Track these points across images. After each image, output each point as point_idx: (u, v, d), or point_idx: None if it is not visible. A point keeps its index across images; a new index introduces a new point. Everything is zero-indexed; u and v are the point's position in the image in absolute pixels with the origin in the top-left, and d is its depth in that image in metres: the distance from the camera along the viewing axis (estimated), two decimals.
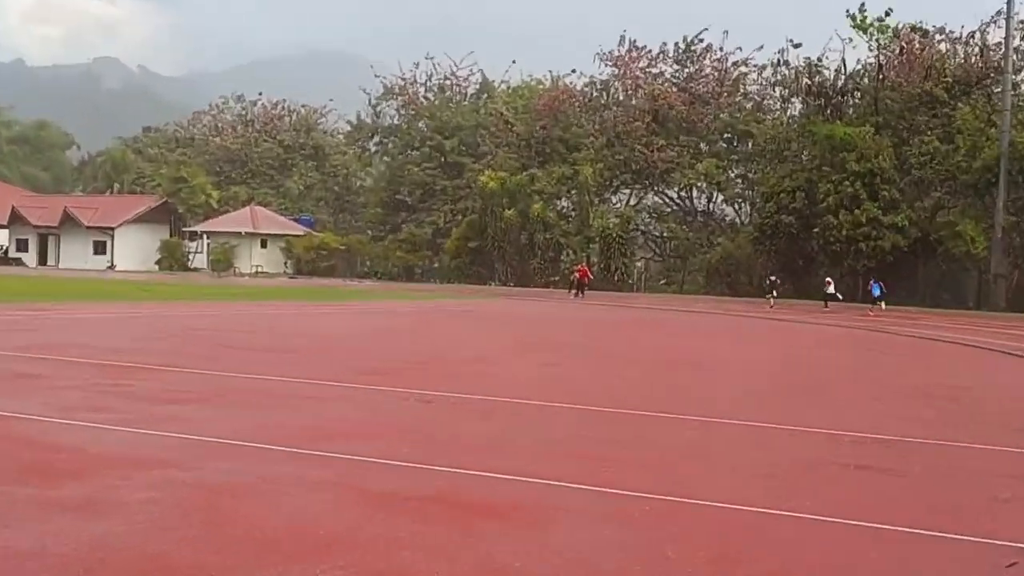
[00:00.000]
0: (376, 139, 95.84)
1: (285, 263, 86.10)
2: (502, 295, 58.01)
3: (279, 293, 48.88)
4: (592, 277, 61.96)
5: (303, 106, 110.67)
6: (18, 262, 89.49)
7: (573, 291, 58.84)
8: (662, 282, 78.61)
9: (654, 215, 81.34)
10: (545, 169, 78.44)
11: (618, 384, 17.12)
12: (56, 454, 9.38)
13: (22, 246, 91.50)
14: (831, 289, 53.98)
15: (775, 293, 54.01)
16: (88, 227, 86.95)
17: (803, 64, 69.92)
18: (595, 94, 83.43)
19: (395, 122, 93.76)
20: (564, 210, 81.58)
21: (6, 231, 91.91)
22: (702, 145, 78.68)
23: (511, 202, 74.11)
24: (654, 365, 20.85)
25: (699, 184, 75.60)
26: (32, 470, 8.67)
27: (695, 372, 19.75)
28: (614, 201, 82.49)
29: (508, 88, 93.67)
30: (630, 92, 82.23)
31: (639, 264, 77.29)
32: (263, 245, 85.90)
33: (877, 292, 49.38)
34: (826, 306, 51.70)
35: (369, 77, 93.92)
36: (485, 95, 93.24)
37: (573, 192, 78.46)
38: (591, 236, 73.23)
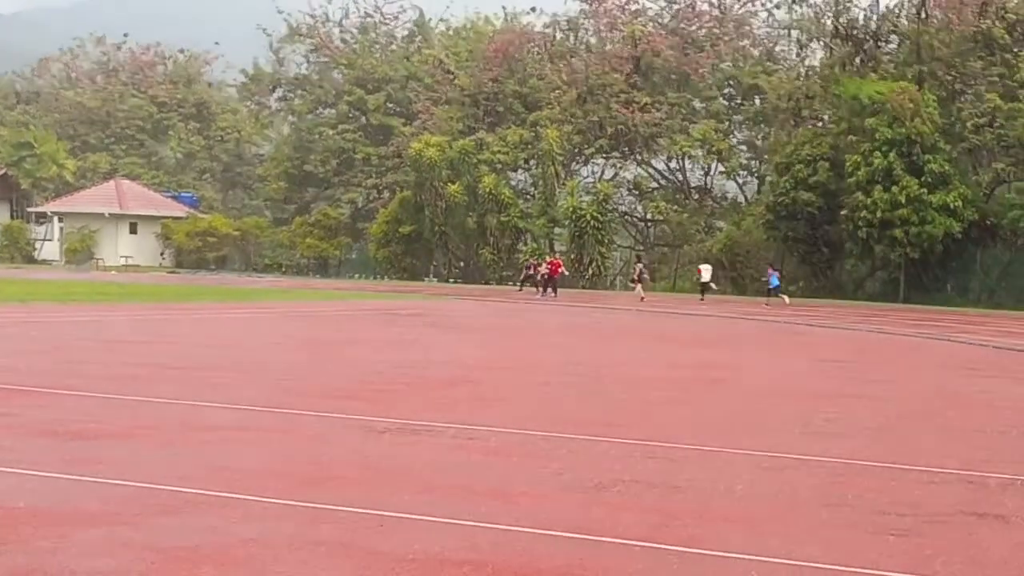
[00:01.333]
0: (278, 93, 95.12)
1: (162, 253, 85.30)
2: (450, 294, 57.82)
3: (162, 293, 48.38)
4: (566, 272, 61.74)
5: (181, 51, 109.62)
6: None
7: (533, 287, 59.03)
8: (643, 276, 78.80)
9: (635, 192, 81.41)
10: (497, 132, 78.34)
11: (645, 409, 17.02)
12: None
13: None
14: (707, 276, 58.69)
15: (641, 283, 57.96)
16: None
17: (826, 0, 70.36)
18: (560, 36, 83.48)
19: (303, 71, 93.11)
20: (521, 185, 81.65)
21: None
22: (696, 104, 78.96)
23: (454, 175, 73.87)
24: (685, 384, 20.78)
25: (694, 153, 75.76)
26: None
27: (737, 392, 19.69)
28: (584, 174, 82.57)
29: (449, 29, 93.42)
30: (604, 34, 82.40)
31: (618, 255, 77.28)
32: (132, 230, 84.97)
33: (776, 283, 55.31)
34: (702, 299, 56.60)
35: (267, 13, 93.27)
36: (419, 38, 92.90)
37: (533, 162, 78.48)
38: (557, 218, 73.20)
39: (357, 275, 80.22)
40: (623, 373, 22.34)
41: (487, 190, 72.56)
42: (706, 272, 59.10)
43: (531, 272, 61.70)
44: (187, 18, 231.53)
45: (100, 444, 12.24)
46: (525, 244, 74.98)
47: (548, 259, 61.49)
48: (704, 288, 58.37)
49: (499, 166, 76.76)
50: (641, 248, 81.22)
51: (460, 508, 9.62)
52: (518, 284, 63.25)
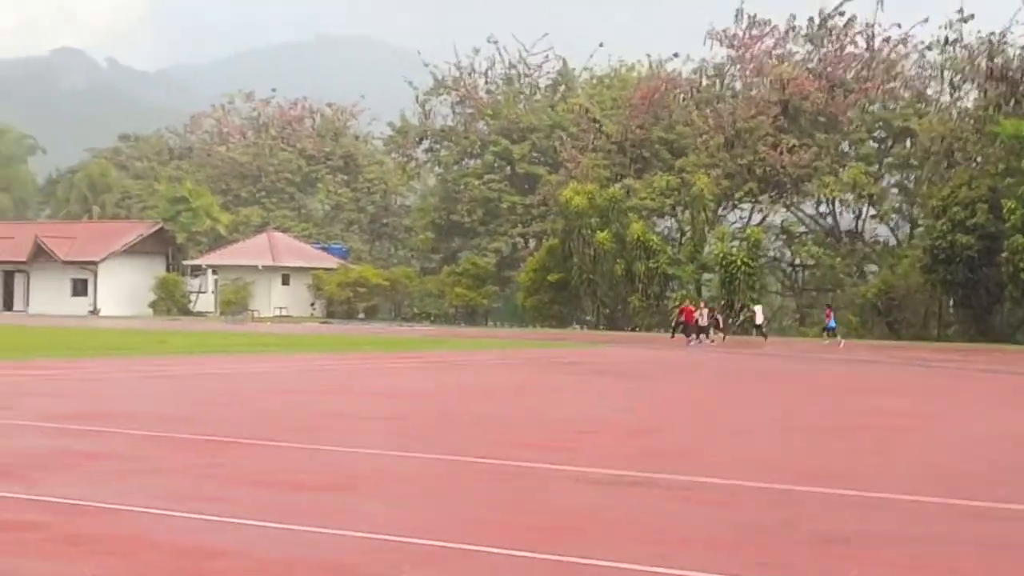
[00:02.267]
0: (425, 145, 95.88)
1: (312, 304, 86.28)
2: (602, 341, 57.44)
3: (324, 343, 48.84)
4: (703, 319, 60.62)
5: (329, 105, 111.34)
6: None
7: (685, 335, 58.53)
8: (784, 323, 77.71)
9: (782, 236, 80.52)
10: (644, 179, 78.07)
11: (856, 458, 16.51)
12: (216, 560, 8.98)
13: None
14: (760, 319, 62.29)
15: (715, 326, 59.33)
16: (65, 262, 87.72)
17: (980, 41, 69.08)
18: (706, 82, 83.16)
19: (449, 123, 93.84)
20: (668, 232, 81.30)
21: None
22: (845, 146, 78.01)
23: (602, 222, 73.67)
24: (882, 432, 20.21)
25: (844, 197, 74.67)
26: None
27: (938, 439, 19.07)
28: (732, 219, 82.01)
29: (592, 78, 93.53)
30: (750, 80, 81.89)
31: (776, 300, 76.30)
32: (285, 282, 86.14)
33: (833, 324, 59.02)
34: (765, 339, 60.47)
35: (400, 66, 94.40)
36: (563, 87, 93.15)
37: (679, 208, 78.13)
38: (707, 264, 72.58)
39: (505, 323, 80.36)
40: (810, 421, 21.82)
41: (635, 237, 72.26)
42: (759, 314, 62.66)
43: (683, 319, 61.09)
44: (328, 71, 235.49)
45: (317, 495, 12.12)
46: (673, 291, 74.40)
47: (704, 305, 60.82)
48: (759, 329, 62.20)
49: (646, 213, 76.50)
50: (789, 292, 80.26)
51: (709, 562, 9.32)
52: (671, 332, 62.58)
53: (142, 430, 17.22)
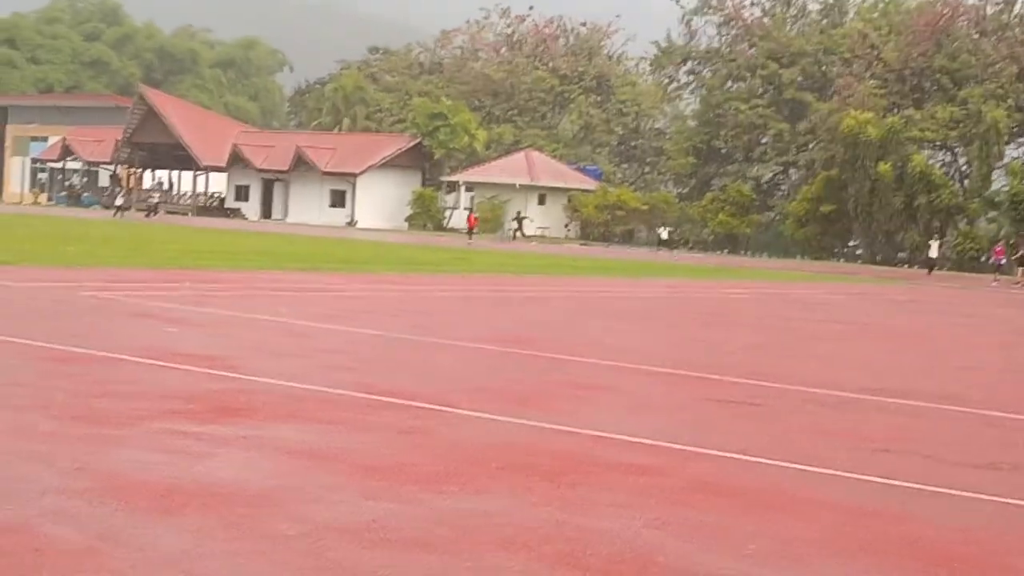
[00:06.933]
0: (688, 66, 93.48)
1: (567, 225, 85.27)
2: (898, 277, 55.07)
3: (621, 268, 47.78)
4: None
5: (583, 24, 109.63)
6: (236, 213, 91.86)
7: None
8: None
9: None
10: (924, 110, 74.83)
11: None
12: (903, 525, 7.67)
13: (242, 194, 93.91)
14: (934, 252, 61.93)
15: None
16: (324, 173, 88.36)
17: None
18: (992, 10, 79.20)
19: (714, 44, 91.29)
20: (942, 165, 78.08)
21: (223, 175, 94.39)
22: None
23: (881, 153, 70.76)
24: None
25: None
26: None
27: None
28: (1013, 155, 78.29)
29: (866, 2, 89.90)
30: None
31: None
32: (541, 201, 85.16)
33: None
34: (929, 273, 59.12)
35: None
36: (835, 10, 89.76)
37: (957, 142, 74.77)
38: (996, 201, 69.20)
39: (764, 254, 78.21)
40: None
41: (918, 170, 69.28)
42: (934, 248, 62.18)
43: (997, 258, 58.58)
44: None
45: (904, 452, 10.80)
46: (955, 228, 71.39)
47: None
48: (931, 264, 60.98)
49: (926, 145, 73.44)
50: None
51: None
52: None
53: (593, 358, 16.13)
